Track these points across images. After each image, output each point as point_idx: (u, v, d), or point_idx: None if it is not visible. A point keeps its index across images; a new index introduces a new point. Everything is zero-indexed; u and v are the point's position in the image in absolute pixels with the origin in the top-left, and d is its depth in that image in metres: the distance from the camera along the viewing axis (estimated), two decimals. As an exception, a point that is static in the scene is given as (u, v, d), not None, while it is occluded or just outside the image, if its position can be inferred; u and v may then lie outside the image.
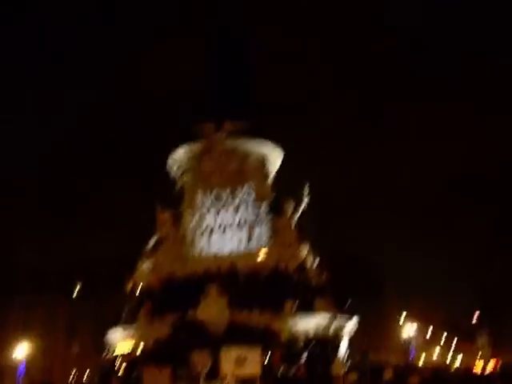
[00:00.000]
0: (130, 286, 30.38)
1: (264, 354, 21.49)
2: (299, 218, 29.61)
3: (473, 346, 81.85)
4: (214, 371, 21.02)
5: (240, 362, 20.34)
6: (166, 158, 32.27)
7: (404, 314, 67.34)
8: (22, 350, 43.10)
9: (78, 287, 65.82)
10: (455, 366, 51.36)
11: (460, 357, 71.55)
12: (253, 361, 20.37)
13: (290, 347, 24.08)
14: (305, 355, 24.17)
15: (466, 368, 39.48)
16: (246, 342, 21.30)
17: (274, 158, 31.95)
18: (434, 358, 68.35)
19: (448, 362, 63.68)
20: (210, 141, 30.38)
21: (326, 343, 25.68)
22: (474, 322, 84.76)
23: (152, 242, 30.28)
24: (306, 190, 29.52)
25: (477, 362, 50.18)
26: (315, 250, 29.79)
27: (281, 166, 32.77)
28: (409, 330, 58.27)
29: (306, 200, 29.55)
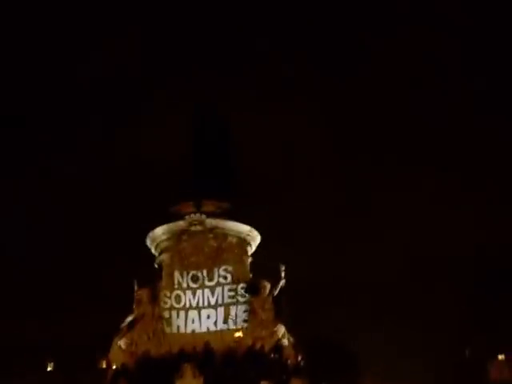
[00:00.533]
0: (104, 363, 30.19)
1: None
2: (275, 299, 29.85)
3: None
4: None
5: None
6: (145, 237, 32.66)
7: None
8: None
9: (49, 364, 64.65)
10: None
11: None
12: None
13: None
14: None
15: None
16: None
17: (252, 238, 32.47)
18: None
19: None
20: (189, 220, 30.84)
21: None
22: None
23: (128, 320, 30.25)
24: (283, 272, 29.87)
25: None
26: (291, 331, 29.92)
27: (258, 247, 33.24)
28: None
29: (282, 282, 29.88)
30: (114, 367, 29.54)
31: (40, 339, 65.48)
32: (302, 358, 29.38)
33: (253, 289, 29.96)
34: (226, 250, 31.05)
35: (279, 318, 29.62)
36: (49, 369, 65.09)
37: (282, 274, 29.85)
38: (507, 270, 45.99)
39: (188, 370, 26.37)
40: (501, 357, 23.80)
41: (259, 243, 33.00)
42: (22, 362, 64.00)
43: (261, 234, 32.56)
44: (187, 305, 29.97)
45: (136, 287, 30.95)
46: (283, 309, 30.01)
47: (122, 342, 29.83)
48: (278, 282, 29.88)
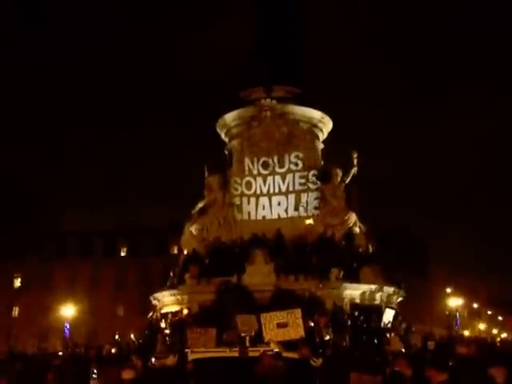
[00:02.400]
0: (175, 249, 30.72)
1: (306, 319, 21.52)
2: (347, 186, 29.39)
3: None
4: (260, 336, 21.18)
5: (281, 326, 20.44)
6: (215, 123, 32.34)
7: (450, 288, 67.07)
8: (67, 311, 44.24)
9: (123, 250, 67.06)
10: (501, 339, 50.96)
11: (505, 335, 71.13)
12: (294, 325, 20.46)
13: (335, 315, 24.00)
14: (349, 324, 24.09)
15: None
16: (290, 308, 21.39)
17: (324, 125, 31.67)
18: (478, 333, 67.98)
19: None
20: (259, 106, 30.20)
21: (370, 313, 25.62)
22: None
23: (199, 206, 30.41)
24: (355, 159, 29.22)
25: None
26: (362, 218, 29.61)
27: (330, 134, 32.49)
28: (454, 303, 58.01)
29: (354, 169, 29.29)
30: (185, 252, 30.00)
31: (115, 225, 67.93)
32: (373, 247, 29.14)
33: (324, 176, 29.51)
34: (297, 136, 30.39)
35: (351, 206, 29.25)
36: (122, 254, 67.74)
37: (355, 162, 29.19)
38: None
39: (259, 256, 26.44)
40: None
41: (331, 129, 32.18)
42: (98, 249, 66.63)
43: (333, 121, 31.69)
44: (258, 191, 29.82)
45: (207, 173, 30.83)
46: (354, 197, 29.60)
47: (193, 228, 30.12)
48: (350, 170, 29.29)
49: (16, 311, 67.17)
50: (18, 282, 67.87)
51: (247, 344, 19.98)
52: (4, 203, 66.51)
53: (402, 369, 8.96)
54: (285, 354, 14.83)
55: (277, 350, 17.05)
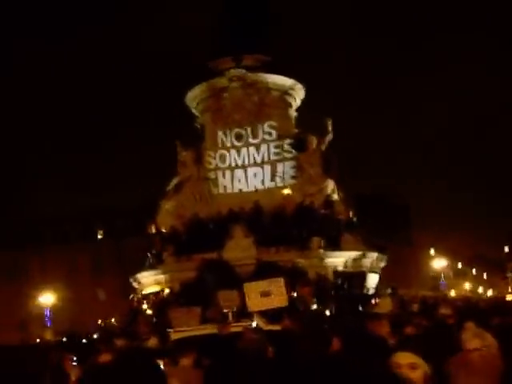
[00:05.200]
0: (152, 228, 30.55)
1: (289, 287, 21.60)
2: (323, 154, 29.35)
3: (504, 280, 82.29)
4: (243, 310, 21.23)
5: (264, 295, 20.49)
6: (184, 97, 32.04)
7: (433, 249, 67.71)
8: (46, 299, 44.05)
9: (99, 233, 66.83)
10: (486, 297, 51.64)
11: (490, 291, 72.06)
12: (277, 293, 20.52)
13: (319, 283, 24.14)
14: (333, 292, 24.24)
15: (498, 297, 39.49)
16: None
17: (296, 92, 31.47)
18: (464, 292, 68.79)
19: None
20: (228, 76, 29.97)
21: (354, 280, 25.80)
22: (505, 252, 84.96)
23: (173, 183, 30.26)
24: (329, 126, 29.18)
25: (508, 294, 50.34)
26: (340, 185, 29.65)
27: (303, 101, 32.33)
28: (438, 264, 58.67)
29: (329, 135, 29.26)
30: (163, 231, 29.89)
31: (90, 207, 67.50)
32: (353, 214, 29.21)
33: (299, 144, 29.47)
34: (269, 105, 30.25)
35: (328, 173, 29.25)
36: (99, 237, 67.49)
37: (329, 128, 29.15)
38: None
39: (237, 230, 26.42)
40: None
41: (304, 97, 32.02)
42: (74, 233, 66.30)
43: (305, 88, 31.52)
44: (233, 164, 29.72)
45: (179, 149, 30.62)
46: (331, 164, 29.60)
47: (169, 205, 30.00)
48: (325, 137, 29.24)
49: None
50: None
51: (230, 319, 20.03)
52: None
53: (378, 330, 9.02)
54: (268, 327, 14.88)
55: (259, 323, 17.11)
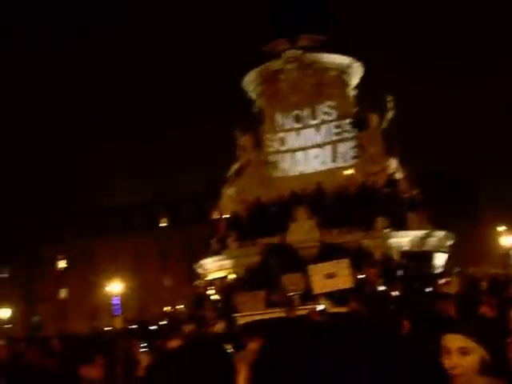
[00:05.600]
0: (216, 214, 30.78)
1: (355, 268, 21.43)
2: (385, 131, 29.00)
3: None
4: (308, 293, 21.17)
5: (329, 276, 20.36)
6: (241, 81, 32.06)
7: (502, 227, 66.25)
8: (114, 287, 44.90)
9: (164, 220, 67.66)
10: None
11: None
12: (342, 275, 20.36)
13: (385, 264, 23.89)
14: (400, 272, 23.95)
15: None
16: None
17: (354, 70, 31.14)
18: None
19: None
20: (284, 58, 29.83)
21: (421, 260, 25.46)
22: None
23: (235, 168, 30.38)
24: (391, 103, 28.77)
25: None
26: (403, 163, 29.27)
27: (362, 78, 31.96)
28: (508, 241, 57.38)
29: (390, 112, 28.85)
30: (226, 216, 30.05)
31: (153, 196, 68.38)
32: (417, 191, 28.80)
33: (360, 123, 29.17)
34: (327, 85, 30.03)
35: (390, 151, 28.89)
36: (163, 225, 68.26)
37: (390, 105, 28.75)
38: None
39: (300, 212, 26.34)
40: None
41: (362, 75, 31.65)
42: (138, 222, 67.29)
43: (364, 64, 31.13)
44: (292, 146, 29.65)
45: (238, 134, 30.68)
46: (393, 142, 29.20)
47: (231, 191, 30.15)
48: (387, 114, 28.86)
49: (63, 293, 68.42)
50: (61, 264, 68.94)
51: (296, 303, 20.02)
52: (39, 186, 67.43)
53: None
54: (334, 310, 14.80)
55: (324, 306, 17.02)
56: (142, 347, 10.34)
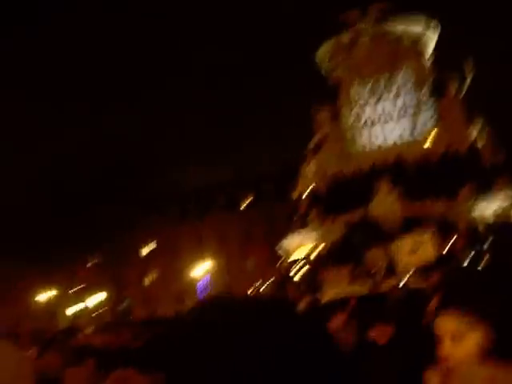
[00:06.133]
0: (296, 191, 30.83)
1: (438, 241, 21.18)
2: (465, 96, 28.39)
3: None
4: (392, 267, 21.10)
5: (414, 250, 20.22)
6: (315, 56, 31.87)
7: None
8: (198, 271, 45.65)
9: (245, 201, 68.11)
10: None
11: None
12: (427, 247, 20.19)
13: (470, 236, 23.44)
14: (487, 242, 23.46)
15: None
16: (420, 233, 21.13)
17: (430, 35, 30.44)
18: None
19: None
20: (357, 29, 29.51)
21: (508, 229, 24.84)
22: None
23: (312, 144, 30.32)
24: (469, 66, 28.12)
25: None
26: (486, 128, 28.57)
27: (438, 42, 31.25)
28: None
29: (470, 76, 28.21)
30: (307, 193, 30.05)
31: (233, 177, 68.88)
32: (502, 158, 28.09)
33: (438, 91, 28.64)
34: (402, 54, 29.54)
35: (471, 117, 28.27)
36: (245, 205, 68.78)
37: (469, 69, 28.09)
38: None
39: (382, 185, 26.11)
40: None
41: (438, 40, 30.96)
42: (219, 202, 68.04)
43: (439, 30, 30.44)
44: (369, 120, 29.41)
45: (315, 109, 30.58)
46: (474, 107, 28.57)
47: (310, 167, 30.12)
48: (465, 79, 28.23)
49: (148, 279, 69.89)
50: (145, 250, 70.35)
51: (380, 278, 19.97)
52: (120, 173, 68.89)
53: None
54: (416, 285, 14.70)
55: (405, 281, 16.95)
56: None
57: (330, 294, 20.08)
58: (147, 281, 69.52)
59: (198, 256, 52.10)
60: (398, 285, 14.74)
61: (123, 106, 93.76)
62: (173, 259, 64.76)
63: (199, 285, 44.23)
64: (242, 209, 68.64)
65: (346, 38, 30.26)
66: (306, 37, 38.98)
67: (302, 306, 16.02)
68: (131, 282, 67.17)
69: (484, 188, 25.67)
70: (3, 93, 71.66)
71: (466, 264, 20.51)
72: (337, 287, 20.88)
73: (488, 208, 25.27)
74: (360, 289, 18.53)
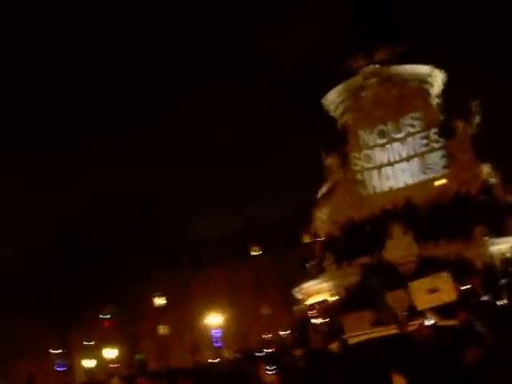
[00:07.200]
0: (308, 237, 31.24)
1: (456, 280, 21.48)
2: (473, 137, 28.93)
3: None
4: (412, 309, 21.36)
5: (431, 291, 20.51)
6: (322, 102, 32.52)
7: None
8: (212, 320, 45.79)
9: (255, 249, 68.36)
10: None
11: None
12: (445, 288, 20.47)
13: (487, 273, 23.76)
14: (504, 280, 23.74)
15: None
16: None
17: (436, 79, 31.16)
18: None
19: None
20: (363, 74, 30.21)
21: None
22: None
23: (324, 189, 30.81)
24: (476, 107, 28.73)
25: None
26: (496, 168, 29.08)
27: (445, 85, 31.92)
28: None
29: (477, 117, 28.82)
30: (319, 239, 30.46)
31: (244, 225, 69.11)
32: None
33: (447, 131, 29.19)
34: (409, 96, 30.14)
35: (481, 157, 28.77)
36: (255, 253, 68.98)
37: (476, 110, 28.70)
38: None
39: (395, 228, 26.44)
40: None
41: (445, 82, 31.64)
42: (230, 250, 68.30)
43: (445, 72, 31.12)
44: (379, 163, 29.93)
45: (324, 155, 31.16)
46: (484, 147, 29.07)
47: (322, 213, 30.55)
48: (473, 119, 28.82)
49: (162, 330, 69.75)
50: (158, 301, 70.32)
51: (403, 319, 20.27)
52: (129, 224, 69.21)
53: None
54: (442, 323, 15.06)
55: (433, 320, 17.25)
56: (269, 369, 11.12)
57: (354, 337, 20.43)
58: (160, 332, 69.39)
59: (211, 305, 52.16)
60: (425, 324, 15.09)
61: (136, 158, 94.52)
62: (186, 309, 64.76)
63: (215, 333, 44.26)
64: (252, 255, 68.88)
65: (352, 82, 30.96)
66: (314, 83, 39.78)
67: (333, 347, 16.45)
68: (145, 334, 67.05)
69: (498, 225, 26.06)
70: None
71: (487, 299, 20.83)
72: (359, 330, 21.19)
73: (503, 244, 25.63)
74: (385, 331, 18.91)
